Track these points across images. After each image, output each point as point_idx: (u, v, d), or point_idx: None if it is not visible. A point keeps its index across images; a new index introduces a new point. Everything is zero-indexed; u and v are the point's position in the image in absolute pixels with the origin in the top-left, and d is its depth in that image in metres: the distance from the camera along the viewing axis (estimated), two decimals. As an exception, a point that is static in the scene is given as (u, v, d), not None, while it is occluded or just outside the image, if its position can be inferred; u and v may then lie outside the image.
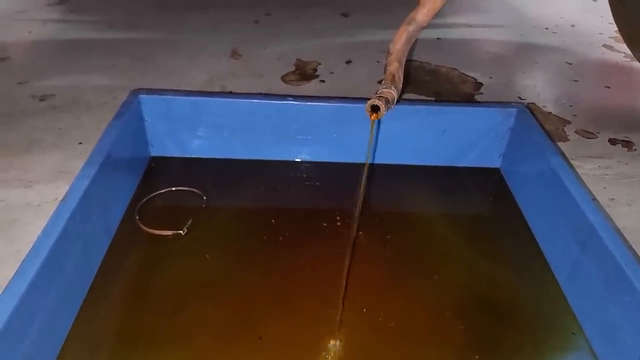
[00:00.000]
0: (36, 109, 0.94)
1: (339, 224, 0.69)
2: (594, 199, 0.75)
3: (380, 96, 0.50)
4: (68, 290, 0.53)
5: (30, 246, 0.49)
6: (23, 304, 0.44)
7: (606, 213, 0.73)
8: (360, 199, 0.51)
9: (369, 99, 0.50)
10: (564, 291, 0.61)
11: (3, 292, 0.45)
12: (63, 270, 0.52)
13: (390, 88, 0.52)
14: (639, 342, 0.48)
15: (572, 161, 0.86)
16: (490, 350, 0.55)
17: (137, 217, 0.68)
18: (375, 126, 0.50)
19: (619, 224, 0.71)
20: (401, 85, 0.54)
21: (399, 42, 0.56)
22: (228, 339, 0.54)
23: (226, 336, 0.54)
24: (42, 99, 0.97)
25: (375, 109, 0.49)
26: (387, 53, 0.56)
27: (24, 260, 0.47)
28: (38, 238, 0.50)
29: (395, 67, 0.55)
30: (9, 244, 0.65)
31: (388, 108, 0.50)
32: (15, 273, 0.46)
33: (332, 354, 0.53)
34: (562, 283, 0.62)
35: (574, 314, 0.58)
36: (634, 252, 0.54)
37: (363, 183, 0.51)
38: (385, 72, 0.55)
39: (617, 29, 1.17)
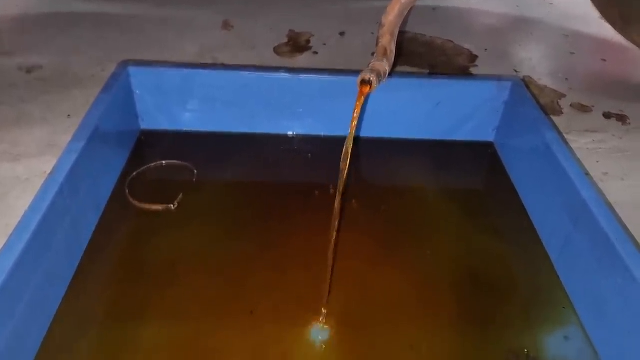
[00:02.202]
0: (24, 81, 0.93)
1: (332, 191, 0.68)
2: (587, 174, 0.75)
3: (372, 69, 0.49)
4: (57, 265, 0.53)
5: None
6: (11, 280, 0.44)
7: (599, 188, 0.73)
8: (345, 169, 0.49)
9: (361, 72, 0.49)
10: (555, 266, 0.61)
11: (-10, 268, 0.44)
12: (52, 245, 0.51)
13: (382, 61, 0.51)
14: (627, 316, 0.49)
15: (566, 135, 0.86)
16: (481, 323, 0.55)
17: (127, 191, 0.67)
18: (365, 99, 0.49)
19: (612, 198, 0.70)
20: (393, 58, 0.53)
21: (392, 14, 0.54)
22: (219, 314, 0.54)
23: (217, 311, 0.54)
24: (29, 72, 0.95)
25: (366, 82, 0.49)
26: (380, 25, 0.55)
27: (11, 235, 0.47)
28: (25, 213, 0.49)
29: (388, 40, 0.53)
30: (-3, 218, 0.64)
31: (380, 81, 0.49)
32: (2, 248, 0.46)
33: (322, 326, 0.53)
34: (554, 258, 0.62)
35: (564, 289, 0.59)
36: (626, 228, 0.54)
37: (345, 150, 0.49)
38: (377, 44, 0.54)
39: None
